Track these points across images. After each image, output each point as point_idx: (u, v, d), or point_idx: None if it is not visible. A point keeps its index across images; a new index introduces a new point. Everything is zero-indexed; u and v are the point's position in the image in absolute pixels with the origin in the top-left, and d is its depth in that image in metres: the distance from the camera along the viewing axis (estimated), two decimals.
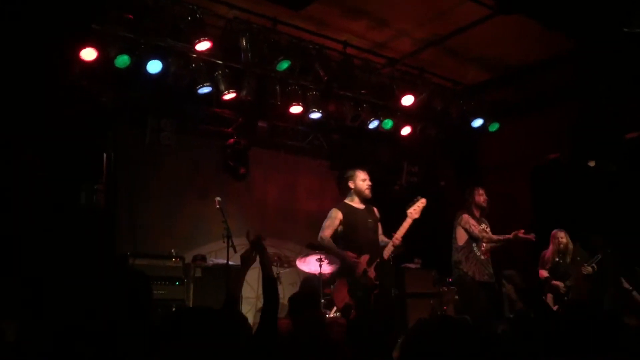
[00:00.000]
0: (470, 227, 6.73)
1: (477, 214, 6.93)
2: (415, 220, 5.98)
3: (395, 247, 5.80)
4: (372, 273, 5.63)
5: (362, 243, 5.81)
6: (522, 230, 6.54)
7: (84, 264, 5.79)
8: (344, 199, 6.21)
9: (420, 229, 9.07)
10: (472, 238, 6.77)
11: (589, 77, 7.32)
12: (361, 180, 6.04)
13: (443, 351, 2.69)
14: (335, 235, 5.91)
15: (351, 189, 6.11)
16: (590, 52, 6.87)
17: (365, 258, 5.69)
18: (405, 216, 6.01)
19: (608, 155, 7.65)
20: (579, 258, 6.94)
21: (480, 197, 6.95)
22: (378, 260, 5.78)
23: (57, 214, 6.11)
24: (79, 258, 5.85)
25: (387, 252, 5.82)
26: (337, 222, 5.91)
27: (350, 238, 5.84)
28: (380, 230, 6.12)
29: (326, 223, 5.92)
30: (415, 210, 6.04)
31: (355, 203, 6.04)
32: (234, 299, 3.66)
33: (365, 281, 5.62)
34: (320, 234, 5.92)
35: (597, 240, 6.76)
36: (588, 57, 7.01)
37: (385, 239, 5.99)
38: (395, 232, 5.90)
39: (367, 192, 6.04)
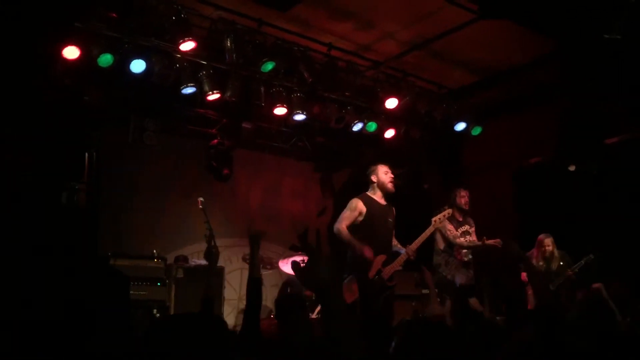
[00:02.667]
0: (447, 231, 6.74)
1: (458, 216, 6.95)
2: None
3: (409, 258, 5.54)
4: (386, 275, 5.42)
5: (379, 242, 5.51)
6: (485, 238, 6.59)
7: (65, 264, 5.73)
8: (368, 191, 5.78)
9: (403, 233, 9.16)
10: (450, 243, 6.80)
11: (571, 81, 7.40)
12: (384, 173, 5.74)
13: (424, 352, 2.71)
14: (351, 228, 5.53)
15: (373, 182, 5.74)
16: (572, 56, 6.94)
17: (381, 258, 5.43)
18: (427, 222, 5.78)
19: (589, 159, 7.73)
20: (562, 263, 6.98)
21: (462, 199, 6.96)
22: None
23: (38, 214, 6.05)
24: (59, 258, 5.78)
25: (398, 263, 5.51)
26: (356, 213, 5.52)
27: (367, 234, 5.48)
28: (393, 233, 5.83)
29: (345, 214, 5.53)
30: (440, 219, 5.84)
31: (378, 197, 5.71)
32: (211, 300, 3.66)
33: (379, 283, 5.43)
34: (337, 225, 5.51)
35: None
36: (570, 61, 7.09)
37: (398, 245, 5.73)
38: (411, 242, 5.65)
39: (391, 186, 5.72)
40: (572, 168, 7.83)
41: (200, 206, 5.98)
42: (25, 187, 5.93)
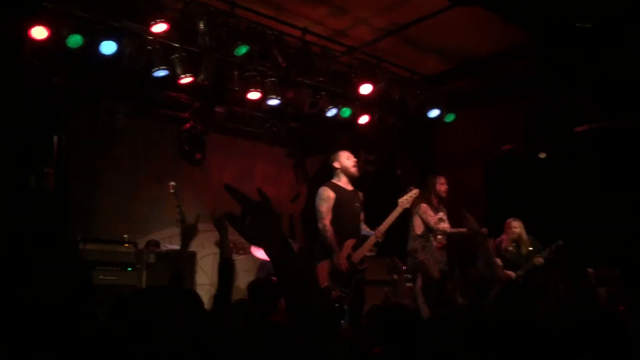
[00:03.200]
0: (428, 217, 6.81)
1: (435, 202, 7.01)
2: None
3: (377, 240, 5.61)
4: (356, 258, 5.48)
5: (347, 227, 5.57)
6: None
7: (33, 248, 5.64)
8: (333, 179, 5.78)
9: (376, 218, 9.21)
10: (429, 228, 6.85)
11: (542, 70, 7.48)
12: (346, 159, 5.76)
13: (395, 336, 2.74)
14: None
15: (337, 168, 5.76)
16: (544, 45, 7.01)
17: (351, 242, 5.51)
18: (395, 205, 5.82)
19: (559, 147, 7.84)
20: (532, 248, 7.08)
21: (442, 186, 7.03)
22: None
23: (5, 197, 5.94)
24: (27, 242, 5.70)
25: (367, 246, 5.59)
26: (332, 202, 5.54)
27: (335, 220, 5.54)
28: (362, 217, 5.89)
29: (323, 208, 5.51)
30: (407, 200, 5.87)
31: (343, 183, 5.74)
32: (180, 278, 3.66)
33: (350, 266, 5.47)
34: (323, 222, 5.48)
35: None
36: (542, 50, 7.16)
37: (367, 229, 5.78)
38: (379, 225, 5.71)
39: (354, 170, 5.75)
40: (542, 156, 7.94)
41: (172, 190, 5.92)
42: None
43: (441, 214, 6.98)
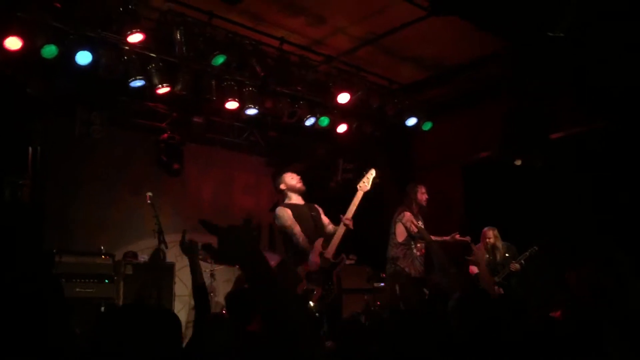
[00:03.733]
0: (411, 225, 6.83)
1: (415, 210, 7.05)
2: (363, 198, 5.92)
3: (347, 227, 5.67)
4: (329, 253, 5.57)
5: (309, 235, 5.69)
6: (458, 234, 6.75)
7: (8, 260, 5.56)
8: (284, 201, 5.99)
9: (355, 226, 9.22)
10: (411, 236, 6.88)
11: (517, 77, 7.57)
12: (290, 179, 5.96)
13: (373, 343, 2.74)
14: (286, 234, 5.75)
15: (284, 190, 5.96)
16: (519, 53, 7.10)
17: (320, 241, 5.60)
18: (355, 192, 5.95)
19: (534, 153, 7.93)
20: (507, 255, 7.16)
21: (423, 195, 7.08)
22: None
23: None
24: (2, 254, 5.61)
25: (337, 237, 5.68)
26: (291, 216, 5.69)
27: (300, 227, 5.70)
28: (326, 221, 5.99)
29: (287, 222, 5.66)
30: (365, 183, 5.99)
31: (294, 200, 5.92)
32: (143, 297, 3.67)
33: (326, 262, 5.56)
34: (293, 231, 5.64)
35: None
36: (517, 58, 7.25)
37: (331, 226, 5.89)
38: (343, 214, 5.79)
39: (300, 185, 5.94)
40: (518, 162, 8.02)
41: (149, 201, 5.88)
42: None
43: (420, 223, 7.02)
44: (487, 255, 7.26)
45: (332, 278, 5.60)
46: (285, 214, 5.74)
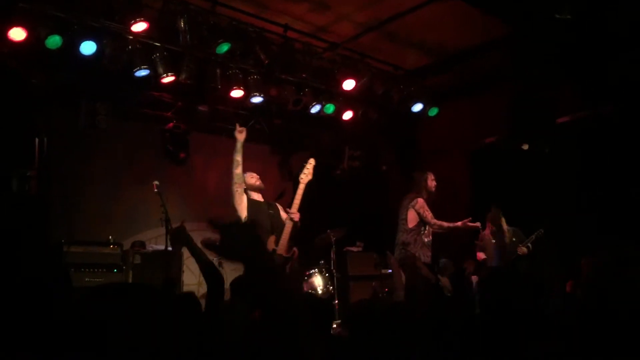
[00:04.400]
0: (425, 212, 6.84)
1: (425, 197, 7.04)
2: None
3: (295, 223, 5.71)
4: (281, 249, 5.63)
5: (266, 229, 5.79)
6: (469, 219, 6.74)
7: (16, 252, 5.59)
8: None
9: (363, 213, 9.24)
10: (423, 222, 6.88)
11: (523, 62, 7.53)
12: (250, 178, 6.05)
13: (384, 330, 2.74)
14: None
15: (245, 189, 6.00)
16: (525, 37, 7.06)
17: (272, 239, 5.69)
18: (297, 185, 5.96)
19: (541, 138, 7.90)
20: (514, 239, 7.16)
21: (432, 182, 7.06)
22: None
23: None
24: (10, 246, 5.64)
25: (286, 233, 5.71)
26: (245, 199, 5.82)
27: (257, 223, 5.75)
28: (284, 216, 5.99)
29: (240, 207, 5.76)
30: (305, 174, 5.99)
31: (254, 197, 5.98)
32: (173, 282, 3.64)
33: (279, 258, 5.64)
34: (240, 215, 5.77)
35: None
36: (522, 42, 7.20)
37: (292, 208, 5.88)
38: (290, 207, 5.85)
39: (259, 183, 6.05)
40: (525, 147, 7.99)
41: (156, 190, 5.89)
42: None
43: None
44: (493, 240, 7.25)
45: (285, 274, 5.64)
46: (240, 194, 5.84)
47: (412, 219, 6.92)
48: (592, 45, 6.75)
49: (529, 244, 7.04)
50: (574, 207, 7.37)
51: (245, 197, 5.85)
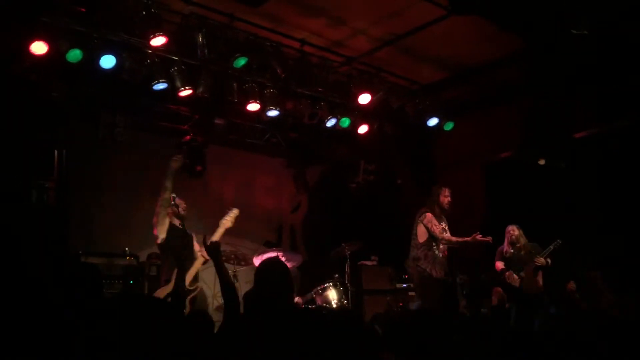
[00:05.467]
0: (432, 226, 6.84)
1: (437, 212, 7.03)
2: (226, 230, 6.11)
3: (206, 259, 5.86)
4: (187, 280, 5.78)
5: (179, 255, 5.89)
6: (479, 234, 6.72)
7: (35, 262, 5.65)
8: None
9: (378, 227, 9.23)
10: (433, 237, 6.86)
11: (539, 77, 7.51)
12: (176, 206, 6.09)
13: (401, 342, 2.74)
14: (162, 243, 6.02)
15: (169, 213, 6.10)
16: (541, 52, 7.05)
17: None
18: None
19: (557, 153, 7.86)
20: (532, 251, 7.07)
21: (445, 198, 7.06)
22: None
23: (7, 213, 5.95)
24: (30, 257, 5.71)
25: (193, 269, 5.90)
26: (167, 223, 5.97)
27: (170, 252, 5.94)
28: (197, 247, 6.16)
29: (160, 225, 5.96)
30: (227, 220, 6.17)
31: (175, 222, 6.08)
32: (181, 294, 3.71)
33: (182, 289, 5.76)
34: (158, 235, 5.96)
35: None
36: (539, 57, 7.20)
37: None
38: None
39: (184, 213, 6.13)
40: (541, 162, 7.95)
41: (173, 202, 5.94)
42: None
43: (443, 224, 7.00)
44: (511, 250, 7.18)
45: (184, 304, 5.74)
46: (164, 215, 6.00)
47: (421, 233, 6.93)
48: (609, 59, 6.72)
49: (548, 256, 6.96)
50: (591, 222, 7.31)
51: (167, 221, 5.97)
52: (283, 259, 7.31)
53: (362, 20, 6.89)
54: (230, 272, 7.62)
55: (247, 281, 8.41)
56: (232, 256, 7.48)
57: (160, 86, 6.47)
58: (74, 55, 5.85)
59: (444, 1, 6.25)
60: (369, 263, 8.70)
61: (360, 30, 7.09)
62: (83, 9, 5.86)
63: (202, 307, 5.91)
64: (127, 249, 6.91)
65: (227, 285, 3.64)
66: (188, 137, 8.12)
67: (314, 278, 8.08)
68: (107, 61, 6.05)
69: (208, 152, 8.39)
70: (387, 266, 8.57)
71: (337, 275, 7.76)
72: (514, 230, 7.21)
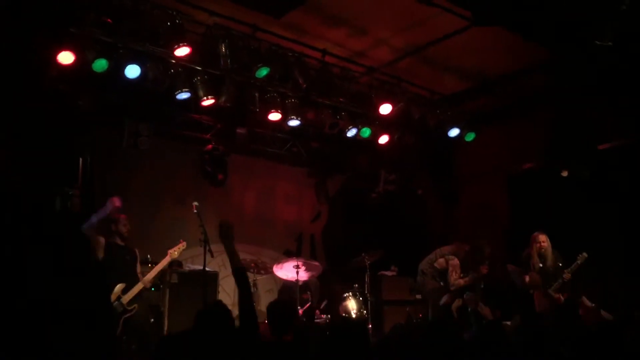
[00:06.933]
0: (452, 272, 7.16)
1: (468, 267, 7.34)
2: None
3: (145, 286, 6.18)
4: (125, 300, 5.98)
5: (119, 274, 6.11)
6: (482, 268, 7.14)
7: (59, 269, 5.72)
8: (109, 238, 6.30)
9: (398, 237, 9.20)
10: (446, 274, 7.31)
11: (563, 87, 7.46)
12: (122, 225, 6.29)
13: (418, 353, 2.74)
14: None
15: (113, 230, 6.25)
16: (564, 63, 7.00)
17: (120, 287, 6.01)
18: (164, 256, 6.38)
19: (581, 164, 7.78)
20: (560, 264, 6.94)
21: (485, 269, 7.28)
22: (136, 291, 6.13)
23: (31, 220, 6.03)
24: (53, 264, 5.78)
25: (134, 292, 6.08)
26: (102, 250, 6.09)
27: (110, 269, 6.09)
28: (139, 269, 6.37)
29: (95, 243, 6.08)
30: (175, 251, 6.42)
31: (118, 241, 6.24)
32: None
33: (119, 307, 5.95)
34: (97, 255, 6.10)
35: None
36: (562, 67, 7.14)
37: (146, 276, 6.27)
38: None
39: (125, 230, 6.30)
40: (564, 174, 7.86)
41: (195, 210, 6.00)
42: (17, 193, 5.91)
43: (467, 279, 7.29)
44: (540, 264, 6.98)
45: (119, 323, 5.91)
46: (98, 241, 6.10)
47: (440, 263, 7.38)
48: (633, 69, 6.65)
49: (573, 270, 6.80)
50: (615, 234, 7.21)
51: (102, 240, 6.10)
52: (302, 267, 7.33)
53: (384, 31, 6.91)
54: (250, 280, 7.67)
55: (267, 290, 8.46)
56: (252, 264, 7.52)
57: (184, 95, 6.55)
58: (100, 65, 5.95)
59: (466, 13, 6.25)
60: (388, 273, 8.67)
61: (382, 40, 7.11)
62: (109, 20, 5.95)
63: (137, 329, 6.06)
64: (149, 256, 6.97)
65: (237, 270, 3.65)
66: (210, 145, 8.21)
67: (333, 288, 8.09)
68: (132, 71, 6.14)
69: (230, 161, 8.47)
70: (407, 276, 8.53)
71: (356, 285, 7.75)
72: (544, 242, 6.96)
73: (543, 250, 6.97)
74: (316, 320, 7.35)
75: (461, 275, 7.25)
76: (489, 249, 7.19)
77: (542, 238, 7.01)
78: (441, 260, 7.37)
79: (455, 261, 7.26)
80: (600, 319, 6.27)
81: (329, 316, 7.45)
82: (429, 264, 7.43)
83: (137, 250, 6.42)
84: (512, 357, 3.01)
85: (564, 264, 6.89)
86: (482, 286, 7.48)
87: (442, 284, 7.32)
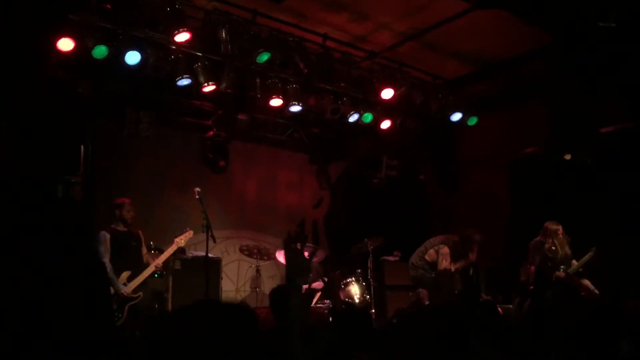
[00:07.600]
0: (442, 260, 7.19)
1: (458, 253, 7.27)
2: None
3: (157, 268, 6.27)
4: (129, 288, 6.02)
5: (125, 261, 6.16)
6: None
7: (61, 258, 5.73)
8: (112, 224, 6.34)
9: (400, 222, 9.21)
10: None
11: (566, 71, 7.41)
12: (126, 211, 6.28)
13: (420, 336, 2.74)
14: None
15: (117, 216, 6.27)
16: (567, 47, 6.95)
17: (126, 274, 6.05)
18: (171, 243, 6.41)
19: (583, 149, 7.75)
20: (568, 253, 6.88)
21: (474, 255, 7.25)
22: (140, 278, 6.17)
23: (33, 208, 6.03)
24: (55, 252, 5.78)
25: (143, 276, 6.13)
26: (108, 244, 6.15)
27: (116, 256, 6.12)
28: (144, 251, 6.44)
29: (102, 249, 6.10)
30: (181, 239, 6.43)
31: (120, 227, 6.26)
32: None
33: (124, 294, 5.98)
34: (102, 260, 6.06)
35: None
36: (565, 52, 7.10)
37: (151, 260, 6.32)
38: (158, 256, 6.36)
39: (129, 216, 6.32)
40: (567, 157, 7.83)
41: (197, 196, 6.00)
42: (20, 181, 5.91)
43: (457, 265, 7.27)
44: (555, 249, 6.88)
45: (124, 309, 5.97)
46: (104, 242, 6.14)
47: (430, 255, 7.34)
48: (637, 53, 6.61)
49: (582, 265, 6.76)
50: (617, 219, 7.18)
51: (107, 235, 6.13)
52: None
53: (385, 15, 6.85)
54: (254, 265, 7.69)
55: (270, 275, 8.48)
56: (255, 250, 7.53)
57: (184, 82, 6.53)
58: (100, 51, 5.92)
59: None
60: (391, 258, 8.68)
61: (384, 24, 7.06)
62: (109, 6, 5.92)
63: (142, 315, 6.07)
64: (151, 242, 6.98)
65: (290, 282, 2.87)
66: (211, 132, 8.19)
67: (336, 273, 8.11)
68: (132, 57, 6.11)
69: (231, 147, 8.45)
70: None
71: (359, 271, 7.77)
72: (559, 231, 6.83)
73: (560, 240, 6.85)
74: (318, 305, 7.37)
75: (451, 263, 7.25)
76: (478, 236, 7.13)
77: (556, 227, 6.88)
78: (431, 251, 7.33)
79: (445, 249, 7.23)
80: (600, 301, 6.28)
81: (329, 302, 7.47)
82: (419, 256, 7.40)
83: (140, 232, 6.43)
84: (512, 338, 3.01)
85: (572, 252, 6.84)
86: (471, 273, 7.56)
87: (433, 275, 7.30)
